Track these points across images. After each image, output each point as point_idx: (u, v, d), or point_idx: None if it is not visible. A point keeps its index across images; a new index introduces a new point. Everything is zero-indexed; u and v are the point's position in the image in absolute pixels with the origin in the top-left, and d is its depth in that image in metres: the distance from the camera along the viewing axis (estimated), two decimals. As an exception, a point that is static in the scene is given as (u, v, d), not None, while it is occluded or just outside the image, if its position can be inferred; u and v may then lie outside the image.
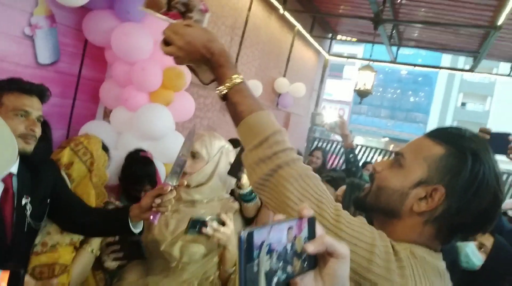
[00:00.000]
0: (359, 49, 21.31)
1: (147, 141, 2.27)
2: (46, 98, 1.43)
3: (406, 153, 0.84)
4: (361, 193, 0.90)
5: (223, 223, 1.46)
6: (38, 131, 1.35)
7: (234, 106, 0.88)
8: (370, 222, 0.82)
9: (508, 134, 1.37)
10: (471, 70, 6.19)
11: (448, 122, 26.78)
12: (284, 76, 5.84)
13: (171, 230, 1.53)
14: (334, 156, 8.78)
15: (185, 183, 1.55)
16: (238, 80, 0.88)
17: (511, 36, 5.21)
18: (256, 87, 4.60)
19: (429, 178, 0.79)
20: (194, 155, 1.59)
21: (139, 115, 2.22)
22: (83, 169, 1.64)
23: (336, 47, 9.95)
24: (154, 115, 2.19)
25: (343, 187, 2.07)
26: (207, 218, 1.45)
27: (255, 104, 0.88)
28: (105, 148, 1.77)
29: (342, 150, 8.57)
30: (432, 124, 27.23)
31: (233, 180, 1.65)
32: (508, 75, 6.17)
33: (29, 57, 2.33)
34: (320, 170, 4.09)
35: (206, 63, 0.91)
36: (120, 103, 2.37)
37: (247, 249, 0.45)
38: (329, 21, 6.60)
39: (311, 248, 0.52)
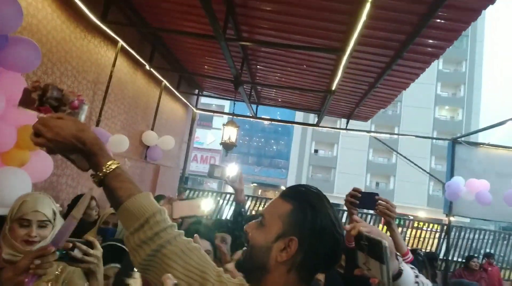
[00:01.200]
0: (227, 101, 22.71)
1: (1, 208, 2.02)
2: None
3: (265, 214, 0.99)
4: (241, 257, 1.02)
5: (91, 246, 1.33)
6: None
7: (112, 191, 0.93)
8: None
9: (376, 194, 1.70)
10: (316, 125, 7.25)
11: (305, 166, 30.01)
12: (152, 129, 5.86)
13: None
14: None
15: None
16: (113, 166, 0.94)
17: (344, 98, 6.37)
18: (121, 141, 4.49)
19: (285, 232, 0.94)
20: (44, 225, 1.51)
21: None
22: None
23: (205, 99, 10.39)
24: (8, 179, 1.99)
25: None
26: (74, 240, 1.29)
27: (133, 188, 0.95)
28: None
29: (216, 198, 8.86)
30: (292, 169, 30.12)
31: None
32: (345, 129, 7.44)
33: None
34: None
35: (79, 152, 0.95)
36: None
37: None
38: (195, 78, 6.98)
39: None
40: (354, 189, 1.72)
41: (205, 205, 1.56)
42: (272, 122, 8.49)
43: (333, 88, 4.95)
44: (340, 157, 29.62)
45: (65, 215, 1.54)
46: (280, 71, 5.67)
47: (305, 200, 0.96)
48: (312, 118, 24.68)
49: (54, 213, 1.57)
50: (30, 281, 1.18)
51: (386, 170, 29.13)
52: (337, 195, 26.44)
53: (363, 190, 1.72)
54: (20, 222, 1.48)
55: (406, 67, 4.72)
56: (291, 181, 28.95)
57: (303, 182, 29.05)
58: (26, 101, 0.98)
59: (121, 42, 4.29)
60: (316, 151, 30.87)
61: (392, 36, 4.00)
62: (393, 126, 28.50)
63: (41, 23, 3.29)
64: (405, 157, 7.88)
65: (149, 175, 6.28)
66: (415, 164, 7.75)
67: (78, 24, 3.77)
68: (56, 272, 1.50)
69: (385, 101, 6.20)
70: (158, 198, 3.61)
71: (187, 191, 8.47)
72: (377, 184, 29.03)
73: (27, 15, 3.05)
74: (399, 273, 1.03)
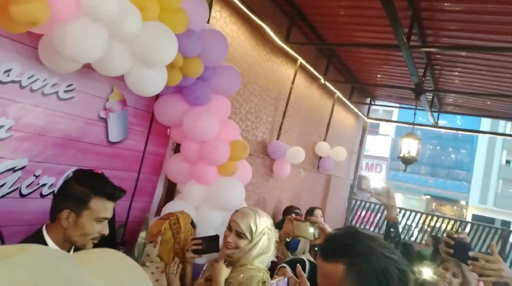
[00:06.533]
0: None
1: (223, 212, 2.50)
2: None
3: None
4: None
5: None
6: (106, 232, 1.44)
7: None
8: None
9: (468, 246, 1.37)
10: (517, 134, 6.04)
11: (493, 180, 25.44)
12: (325, 140, 5.96)
13: None
14: (372, 213, 8.58)
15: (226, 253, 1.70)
16: None
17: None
18: (298, 153, 4.71)
19: None
20: (239, 235, 1.70)
21: (217, 189, 2.49)
22: (169, 234, 2.04)
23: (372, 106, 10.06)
24: (230, 188, 2.49)
25: None
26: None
27: None
28: (193, 225, 2.15)
29: (382, 207, 8.41)
30: (476, 182, 25.94)
31: (270, 257, 1.74)
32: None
33: (101, 136, 2.59)
34: None
35: None
36: (190, 178, 2.60)
37: None
38: (368, 87, 6.79)
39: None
40: (448, 234, 1.41)
41: (315, 231, 1.61)
42: (456, 131, 7.49)
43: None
44: (543, 170, 23.99)
45: None
46: (469, 75, 4.97)
47: (350, 251, 0.88)
48: (503, 124, 20.81)
49: (253, 230, 1.70)
50: None
51: None
52: (539, 217, 21.52)
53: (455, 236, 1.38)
54: (229, 227, 1.76)
55: None
56: (474, 196, 25.01)
57: (491, 197, 24.69)
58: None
59: (300, 60, 4.52)
60: (508, 161, 25.84)
61: None
62: None
63: (236, 51, 3.75)
64: None
65: (321, 185, 6.41)
66: None
67: (264, 47, 4.15)
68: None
69: None
70: (310, 210, 3.72)
71: (354, 201, 8.28)
72: None
73: (227, 46, 3.53)
74: None
